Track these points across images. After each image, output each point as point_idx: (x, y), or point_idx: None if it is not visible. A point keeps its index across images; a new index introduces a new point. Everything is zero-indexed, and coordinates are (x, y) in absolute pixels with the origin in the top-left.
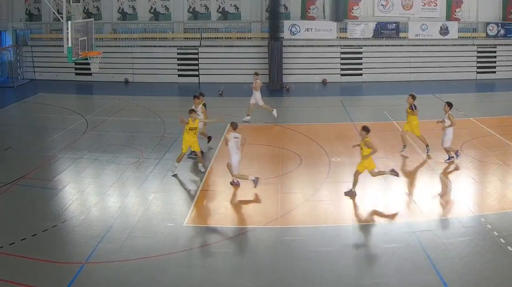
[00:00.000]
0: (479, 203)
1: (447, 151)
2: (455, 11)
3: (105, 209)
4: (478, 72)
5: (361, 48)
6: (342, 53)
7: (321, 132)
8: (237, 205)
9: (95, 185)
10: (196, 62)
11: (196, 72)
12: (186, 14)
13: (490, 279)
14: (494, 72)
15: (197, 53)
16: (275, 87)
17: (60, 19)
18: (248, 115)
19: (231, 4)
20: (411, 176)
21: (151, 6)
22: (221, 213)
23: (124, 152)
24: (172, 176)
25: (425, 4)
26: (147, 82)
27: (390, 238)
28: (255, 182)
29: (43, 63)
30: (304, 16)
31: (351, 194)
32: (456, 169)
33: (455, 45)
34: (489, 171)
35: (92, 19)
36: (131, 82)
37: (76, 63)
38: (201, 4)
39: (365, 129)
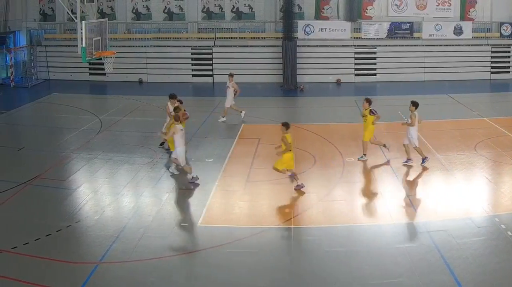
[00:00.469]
0: (493, 203)
1: (418, 152)
2: (469, 11)
3: (119, 209)
4: (492, 72)
5: (375, 48)
6: (356, 53)
7: (335, 133)
8: (251, 205)
9: (109, 185)
10: (210, 62)
11: (210, 72)
12: (200, 14)
13: (505, 279)
14: (508, 72)
15: (211, 53)
16: (289, 87)
17: (74, 19)
18: (241, 111)
19: (245, 4)
20: (424, 176)
21: (165, 6)
22: (236, 213)
23: (138, 152)
24: (176, 174)
25: (439, 4)
26: (161, 82)
27: (404, 238)
28: (193, 182)
29: (57, 63)
30: (318, 16)
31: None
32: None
33: (469, 45)
34: (503, 171)
35: (106, 19)
36: (145, 82)
37: (90, 63)
38: (215, 4)
39: (284, 125)
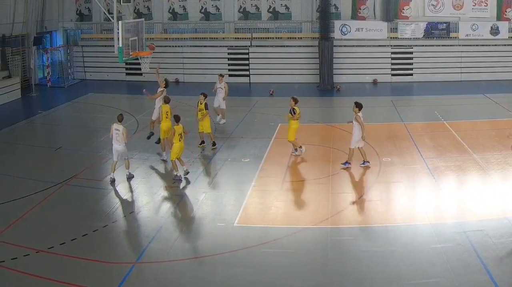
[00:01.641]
0: None
1: (362, 153)
2: (506, 11)
3: (156, 209)
4: None
5: (412, 48)
6: (392, 53)
7: (372, 132)
8: (287, 204)
9: (146, 185)
10: (247, 62)
11: (247, 72)
12: (236, 14)
13: None
14: None
15: (247, 53)
16: (326, 87)
17: (111, 19)
18: (222, 118)
19: (281, 4)
20: (458, 176)
21: (202, 6)
22: (272, 213)
23: None
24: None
25: (475, 4)
26: (197, 82)
27: (441, 238)
28: (112, 180)
29: (94, 63)
30: (355, 16)
31: (177, 178)
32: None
33: (505, 45)
34: None
35: (143, 19)
36: (182, 82)
37: (126, 63)
38: (251, 4)
39: (175, 117)
